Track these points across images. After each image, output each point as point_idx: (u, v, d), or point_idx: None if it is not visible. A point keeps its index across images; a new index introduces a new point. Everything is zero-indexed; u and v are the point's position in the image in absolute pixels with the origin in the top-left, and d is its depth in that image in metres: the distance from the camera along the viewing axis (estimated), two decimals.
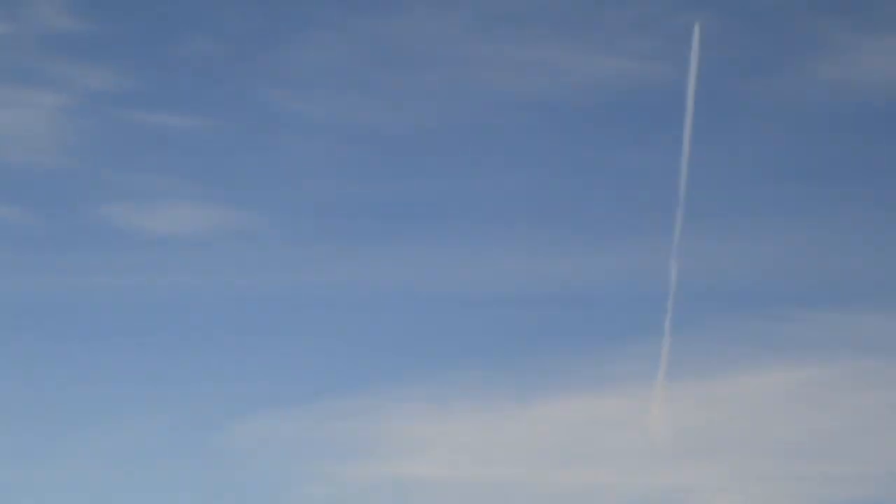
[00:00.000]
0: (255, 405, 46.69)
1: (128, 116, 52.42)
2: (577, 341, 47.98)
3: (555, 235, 50.70)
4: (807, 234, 49.78)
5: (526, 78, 53.54)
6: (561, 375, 46.98)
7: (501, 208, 51.61)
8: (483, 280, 49.64)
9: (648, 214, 47.81)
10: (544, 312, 49.10)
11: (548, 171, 52.57)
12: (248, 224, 50.94)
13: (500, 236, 50.91)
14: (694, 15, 33.64)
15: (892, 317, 46.80)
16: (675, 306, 41.56)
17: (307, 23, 54.29)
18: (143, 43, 53.51)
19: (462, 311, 49.26)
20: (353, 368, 48.17)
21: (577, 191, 51.96)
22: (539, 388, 46.76)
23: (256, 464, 44.87)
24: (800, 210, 50.36)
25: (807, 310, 47.70)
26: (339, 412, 46.60)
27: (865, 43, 53.21)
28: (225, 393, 46.87)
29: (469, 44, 54.21)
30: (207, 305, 49.20)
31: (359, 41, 54.05)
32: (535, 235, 50.82)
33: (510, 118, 53.36)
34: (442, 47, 54.34)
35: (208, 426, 46.19)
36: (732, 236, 49.29)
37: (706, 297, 46.99)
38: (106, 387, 47.21)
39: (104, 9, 53.68)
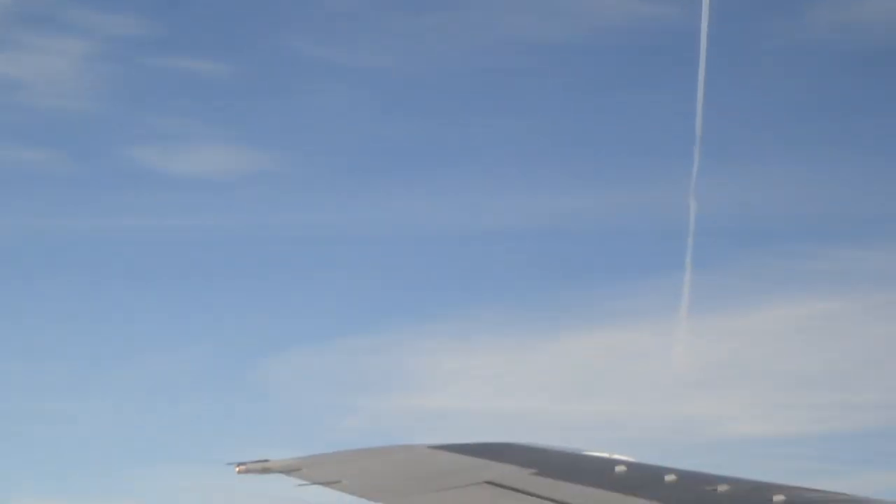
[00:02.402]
0: (283, 342, 47.26)
1: (151, 62, 52.83)
2: (598, 276, 48.38)
3: (573, 171, 50.72)
4: (825, 170, 50.13)
5: (538, 21, 53.82)
6: (583, 310, 47.43)
7: (520, 147, 51.57)
8: (504, 216, 49.79)
9: (665, 152, 48.16)
10: (565, 247, 49.37)
11: (564, 110, 52.65)
12: (270, 165, 51.36)
13: (519, 173, 50.91)
14: None
15: None
16: (696, 242, 41.95)
17: None
18: None
19: (483, 247, 49.32)
20: (376, 305, 48.69)
21: (592, 129, 52.06)
22: (561, 321, 47.25)
23: (290, 398, 45.46)
24: (817, 147, 50.66)
25: (825, 244, 48.16)
26: (364, 348, 47.15)
27: None
28: (252, 331, 47.37)
29: None
30: (234, 245, 49.67)
31: None
32: (554, 172, 50.77)
33: (525, 61, 53.58)
34: None
35: (238, 363, 46.76)
36: (750, 173, 49.62)
37: (726, 233, 47.42)
38: (134, 325, 47.76)
39: None
